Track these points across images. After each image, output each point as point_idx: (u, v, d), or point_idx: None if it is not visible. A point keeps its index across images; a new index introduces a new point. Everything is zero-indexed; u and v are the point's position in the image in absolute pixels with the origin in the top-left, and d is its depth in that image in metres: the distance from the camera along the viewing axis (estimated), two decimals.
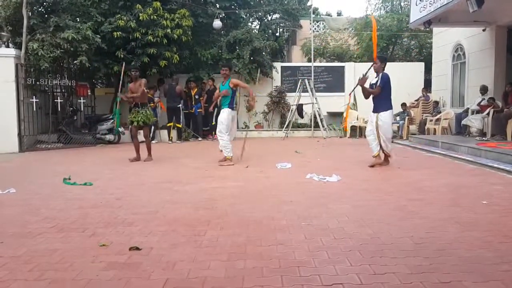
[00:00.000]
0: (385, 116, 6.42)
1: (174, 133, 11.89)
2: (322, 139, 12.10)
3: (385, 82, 6.38)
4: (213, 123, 12.69)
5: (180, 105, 11.78)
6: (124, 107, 11.31)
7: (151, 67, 11.56)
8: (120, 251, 2.86)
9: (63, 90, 11.00)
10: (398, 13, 17.90)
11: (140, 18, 11.01)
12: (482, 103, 9.77)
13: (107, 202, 4.35)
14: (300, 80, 13.00)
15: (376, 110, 6.53)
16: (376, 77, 6.56)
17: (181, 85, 12.23)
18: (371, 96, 6.63)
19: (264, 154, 8.67)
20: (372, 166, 6.57)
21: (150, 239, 3.11)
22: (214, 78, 12.65)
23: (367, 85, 6.62)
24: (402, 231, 3.23)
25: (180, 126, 11.79)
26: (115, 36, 10.91)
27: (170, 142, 11.62)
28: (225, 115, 6.99)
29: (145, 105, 7.56)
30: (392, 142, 10.73)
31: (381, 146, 6.58)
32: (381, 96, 6.42)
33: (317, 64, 15.24)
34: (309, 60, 15.43)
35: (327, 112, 13.76)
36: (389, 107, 6.50)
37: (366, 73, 6.59)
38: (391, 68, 10.72)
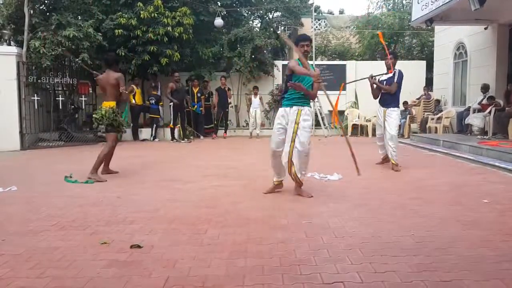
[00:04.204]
0: (394, 113, 6.21)
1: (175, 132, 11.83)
2: (323, 137, 12.09)
3: (401, 79, 6.24)
4: (215, 123, 12.72)
5: (170, 104, 11.35)
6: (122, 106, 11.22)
7: (152, 65, 11.56)
8: (121, 249, 2.86)
9: (64, 88, 11.01)
10: (400, 11, 17.85)
11: (141, 15, 11.01)
12: (483, 102, 9.75)
13: (108, 200, 4.36)
14: None
15: (387, 105, 6.27)
16: (386, 74, 6.38)
17: (166, 84, 11.47)
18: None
19: (265, 152, 8.65)
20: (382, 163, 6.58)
21: (151, 237, 3.11)
22: (226, 76, 12.67)
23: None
24: (403, 229, 3.23)
25: (171, 126, 11.44)
26: (116, 34, 10.92)
27: (172, 141, 11.58)
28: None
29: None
30: None
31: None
32: (395, 92, 6.26)
33: (318, 62, 15.22)
34: (311, 59, 15.40)
35: (328, 111, 13.73)
36: (398, 104, 6.36)
37: (375, 76, 6.35)
38: None
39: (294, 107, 4.30)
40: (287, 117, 4.31)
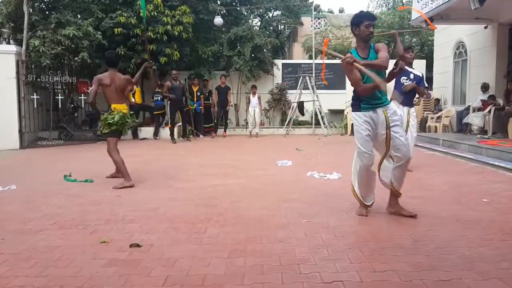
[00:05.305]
0: (414, 113, 5.90)
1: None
2: (323, 136, 12.09)
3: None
4: (215, 122, 12.71)
5: (169, 102, 11.35)
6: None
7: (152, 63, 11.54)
8: (121, 248, 2.86)
9: (64, 87, 11.01)
10: (400, 10, 17.84)
11: (141, 14, 10.99)
12: (482, 98, 9.76)
13: (108, 199, 4.35)
14: (301, 77, 12.98)
15: (409, 104, 5.89)
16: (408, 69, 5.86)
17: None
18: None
19: (265, 151, 8.67)
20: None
21: (151, 236, 3.11)
22: (225, 75, 12.66)
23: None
24: (402, 228, 3.23)
25: (169, 126, 11.44)
26: (116, 33, 10.91)
27: (172, 140, 11.54)
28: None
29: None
30: None
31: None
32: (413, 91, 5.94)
33: (318, 61, 15.21)
34: (310, 57, 15.41)
35: (328, 110, 13.74)
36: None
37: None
38: (392, 65, 10.75)
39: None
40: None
